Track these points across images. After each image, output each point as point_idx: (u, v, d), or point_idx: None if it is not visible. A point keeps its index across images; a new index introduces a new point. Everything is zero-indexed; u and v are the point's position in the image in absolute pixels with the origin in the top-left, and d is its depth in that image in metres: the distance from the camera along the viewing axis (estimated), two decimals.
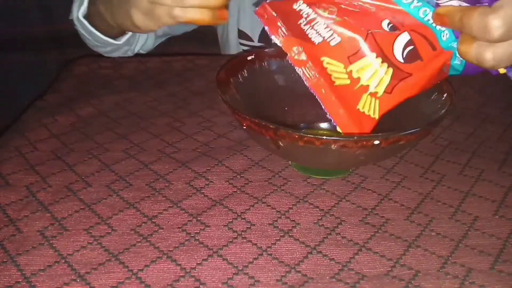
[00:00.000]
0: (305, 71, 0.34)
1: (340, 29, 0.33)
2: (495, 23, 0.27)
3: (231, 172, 0.42)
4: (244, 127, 0.36)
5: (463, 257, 0.32)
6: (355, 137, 0.32)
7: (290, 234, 0.34)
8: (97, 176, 0.41)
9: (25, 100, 0.57)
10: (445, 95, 0.39)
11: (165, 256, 0.32)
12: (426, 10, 0.33)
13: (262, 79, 0.45)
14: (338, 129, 0.35)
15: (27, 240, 0.33)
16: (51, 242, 0.33)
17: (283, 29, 0.35)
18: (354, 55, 0.33)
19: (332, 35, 0.33)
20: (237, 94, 0.42)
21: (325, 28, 0.33)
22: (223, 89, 0.39)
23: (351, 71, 0.33)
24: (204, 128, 0.50)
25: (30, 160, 0.43)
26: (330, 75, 0.34)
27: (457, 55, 0.33)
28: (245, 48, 0.74)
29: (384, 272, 0.31)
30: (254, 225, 0.35)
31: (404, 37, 0.33)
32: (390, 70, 0.33)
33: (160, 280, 0.30)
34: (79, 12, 0.59)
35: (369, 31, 0.32)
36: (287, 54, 0.46)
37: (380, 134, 0.31)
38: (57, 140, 0.47)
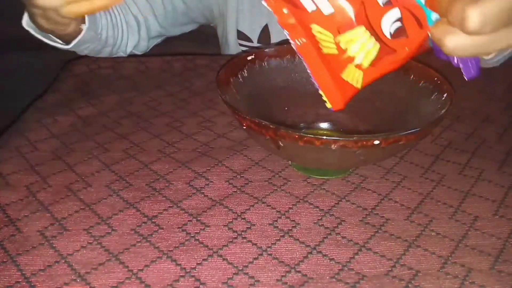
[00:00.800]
0: (293, 35, 0.34)
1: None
2: (473, 15, 0.27)
3: (231, 172, 0.42)
4: (244, 127, 0.36)
5: (463, 257, 0.32)
6: (355, 137, 0.32)
7: (290, 234, 0.34)
8: (97, 176, 0.41)
9: (25, 100, 0.57)
10: (445, 95, 0.39)
11: (165, 256, 0.32)
12: None
13: (262, 79, 0.45)
14: (321, 92, 0.35)
15: (27, 240, 0.33)
16: (51, 242, 0.33)
17: None
18: (344, 26, 0.33)
19: (326, 4, 0.33)
20: (237, 94, 0.42)
21: None
22: (223, 89, 0.39)
23: (339, 41, 0.34)
24: (204, 128, 0.50)
25: (30, 160, 0.43)
26: (318, 42, 0.34)
27: None
28: (244, 49, 0.74)
29: (384, 272, 0.31)
30: (254, 225, 0.35)
31: (394, 13, 0.33)
32: (377, 45, 0.33)
33: (160, 280, 0.30)
34: (23, 20, 0.55)
35: (362, 1, 0.32)
36: (287, 54, 0.46)
37: (380, 134, 0.31)
38: (57, 140, 0.47)
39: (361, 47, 0.34)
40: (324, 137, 0.31)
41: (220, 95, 0.38)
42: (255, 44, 0.73)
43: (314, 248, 0.33)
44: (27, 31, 0.55)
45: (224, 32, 0.77)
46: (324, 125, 0.47)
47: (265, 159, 0.44)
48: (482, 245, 0.33)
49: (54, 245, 0.33)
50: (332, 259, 0.32)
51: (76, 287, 0.29)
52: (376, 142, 0.32)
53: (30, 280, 0.30)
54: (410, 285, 0.30)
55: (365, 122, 0.45)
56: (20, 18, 0.54)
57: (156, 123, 0.51)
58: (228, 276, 0.30)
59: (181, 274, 0.30)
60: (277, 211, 0.37)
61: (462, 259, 0.32)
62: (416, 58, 0.43)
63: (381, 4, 0.32)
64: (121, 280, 0.30)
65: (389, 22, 0.33)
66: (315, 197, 0.39)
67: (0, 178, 0.40)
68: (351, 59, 0.34)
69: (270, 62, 0.45)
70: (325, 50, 0.34)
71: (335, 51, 0.34)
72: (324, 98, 0.36)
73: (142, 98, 0.57)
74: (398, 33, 0.33)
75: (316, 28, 0.34)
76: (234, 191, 0.39)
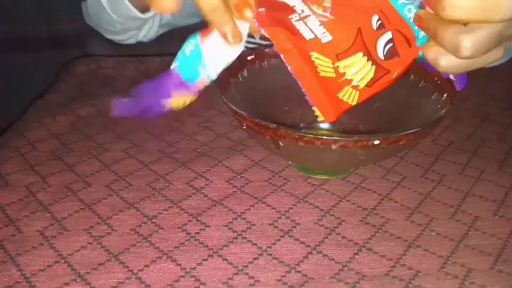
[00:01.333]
0: (289, 59, 0.35)
1: (333, 28, 0.33)
2: (467, 44, 0.28)
3: (231, 172, 0.42)
4: (244, 127, 0.36)
5: (463, 257, 0.32)
6: (355, 137, 0.32)
7: (290, 234, 0.34)
8: (97, 176, 0.41)
9: (25, 100, 0.57)
10: (445, 95, 0.39)
11: (165, 256, 0.32)
12: (410, 8, 0.34)
13: (262, 79, 0.45)
14: (315, 109, 0.37)
15: (27, 240, 0.33)
16: (51, 242, 0.33)
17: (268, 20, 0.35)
18: (343, 53, 0.34)
19: (324, 33, 0.33)
20: (237, 94, 0.42)
21: (319, 26, 0.33)
22: (223, 89, 0.39)
23: (338, 66, 0.35)
24: (204, 128, 0.50)
25: (30, 160, 0.43)
26: (316, 66, 0.35)
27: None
28: (247, 45, 0.74)
29: (384, 272, 0.31)
30: (254, 225, 0.35)
31: (387, 36, 0.34)
32: (374, 67, 0.35)
33: (160, 280, 0.30)
34: None
35: (359, 28, 0.33)
36: None
37: (380, 134, 0.31)
38: (57, 140, 0.47)
39: (358, 71, 0.35)
40: (324, 137, 0.31)
41: (220, 95, 0.38)
42: (258, 40, 0.73)
43: (314, 248, 0.33)
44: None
45: None
46: (324, 125, 0.47)
47: (265, 159, 0.44)
48: (482, 245, 0.33)
49: (54, 245, 0.33)
50: (332, 259, 0.32)
51: (76, 287, 0.29)
52: (376, 142, 0.32)
53: (30, 280, 0.30)
54: (410, 285, 0.30)
55: (365, 122, 0.45)
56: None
57: (156, 123, 0.51)
58: (228, 276, 0.30)
59: (181, 274, 0.30)
60: (277, 211, 0.37)
61: (462, 259, 0.32)
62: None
63: (375, 28, 0.33)
64: (121, 280, 0.30)
65: (382, 44, 0.34)
66: (315, 197, 0.39)
67: (0, 178, 0.40)
68: (348, 82, 0.35)
69: (270, 62, 0.45)
70: (322, 74, 0.35)
71: (332, 75, 0.35)
72: (317, 113, 0.37)
73: None
74: (390, 53, 0.35)
75: (314, 55, 0.35)
76: (234, 191, 0.39)
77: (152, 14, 0.58)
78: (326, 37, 0.34)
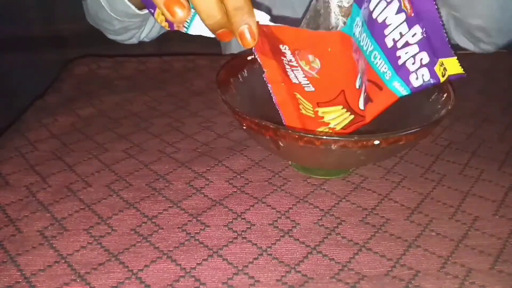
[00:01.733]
0: (276, 90, 0.38)
1: (317, 83, 0.34)
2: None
3: (231, 172, 0.42)
4: (244, 127, 0.36)
5: (463, 257, 0.32)
6: (355, 137, 0.32)
7: (290, 234, 0.34)
8: (97, 176, 0.41)
9: (25, 100, 0.57)
10: (445, 95, 0.39)
11: (165, 256, 0.32)
12: (376, 54, 0.36)
13: (262, 79, 0.45)
14: None
15: (27, 240, 0.33)
16: (51, 242, 0.33)
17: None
18: (324, 103, 0.36)
19: (308, 84, 0.34)
20: (237, 94, 0.42)
21: (303, 77, 0.34)
22: (223, 89, 0.39)
23: (317, 110, 0.36)
24: (204, 128, 0.50)
25: (30, 160, 0.43)
26: (299, 104, 0.37)
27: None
28: None
29: (384, 272, 0.31)
30: (254, 225, 0.35)
31: (364, 89, 0.36)
32: (352, 116, 0.36)
33: (160, 280, 0.30)
34: None
35: (342, 90, 0.34)
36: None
37: (380, 134, 0.31)
38: (57, 140, 0.47)
39: (336, 118, 0.37)
40: (324, 137, 0.31)
41: (220, 95, 0.38)
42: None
43: (314, 248, 0.33)
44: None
45: None
46: None
47: (265, 159, 0.44)
48: (482, 245, 0.33)
49: (54, 245, 0.33)
50: (332, 259, 0.32)
51: (76, 287, 0.29)
52: (376, 142, 0.32)
53: (30, 280, 0.30)
54: (410, 285, 0.30)
55: None
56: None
57: (156, 123, 0.51)
58: (228, 276, 0.30)
59: (181, 274, 0.30)
60: (277, 211, 0.37)
61: (462, 259, 0.32)
62: None
63: (357, 87, 0.35)
64: (121, 280, 0.30)
65: (362, 98, 0.36)
66: (315, 197, 0.39)
67: (0, 178, 0.40)
68: (326, 124, 0.37)
69: None
70: (303, 112, 0.37)
71: (312, 115, 0.37)
72: None
73: (142, 98, 0.57)
74: (366, 101, 0.37)
75: (297, 95, 0.36)
76: (234, 191, 0.39)
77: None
78: (309, 88, 0.35)
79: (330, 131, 0.38)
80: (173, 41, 0.80)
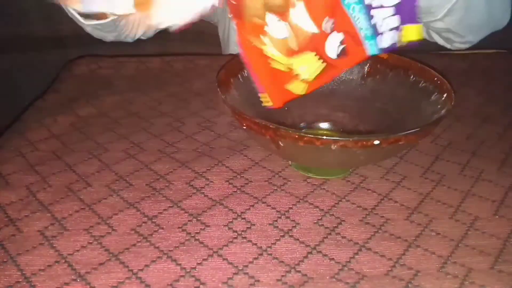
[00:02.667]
0: (246, 48, 0.37)
1: (291, 29, 0.35)
2: None
3: (231, 172, 0.42)
4: (244, 127, 0.36)
5: (463, 257, 0.32)
6: (355, 137, 0.32)
7: (290, 234, 0.34)
8: (97, 176, 0.41)
9: (25, 100, 0.57)
10: (445, 95, 0.39)
11: (165, 256, 0.32)
12: (354, 7, 0.36)
13: None
14: (261, 95, 0.38)
15: (27, 240, 0.33)
16: (51, 242, 0.33)
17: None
18: (294, 51, 0.36)
19: (282, 28, 0.35)
20: (237, 94, 0.42)
21: (278, 21, 0.35)
22: (223, 89, 0.39)
23: (291, 64, 0.37)
24: (204, 128, 0.50)
25: (30, 160, 0.43)
26: (269, 58, 0.37)
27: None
28: None
29: (384, 272, 0.31)
30: (254, 225, 0.35)
31: (339, 37, 0.36)
32: (323, 64, 0.37)
33: (160, 280, 0.30)
34: None
35: (313, 33, 0.35)
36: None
37: (380, 134, 0.31)
38: (57, 140, 0.47)
39: (309, 68, 0.37)
40: (324, 137, 0.31)
41: (220, 95, 0.38)
42: None
43: (314, 248, 0.33)
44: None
45: (225, 30, 0.77)
46: (324, 125, 0.47)
47: (265, 159, 0.44)
48: (482, 245, 0.33)
49: (54, 245, 0.33)
50: (332, 259, 0.32)
51: (76, 287, 0.29)
52: (376, 142, 0.32)
53: (30, 280, 0.30)
54: (410, 285, 0.30)
55: (365, 122, 0.45)
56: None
57: (156, 123, 0.51)
58: (228, 276, 0.30)
59: (181, 274, 0.30)
60: (277, 211, 0.37)
61: (462, 259, 0.32)
62: (416, 58, 0.43)
63: (328, 31, 0.35)
64: (121, 280, 0.30)
65: (335, 45, 0.36)
66: (315, 197, 0.39)
67: (0, 178, 0.40)
68: (298, 76, 0.37)
69: None
70: (273, 65, 0.37)
71: (282, 68, 0.37)
72: (263, 98, 0.39)
73: (142, 98, 0.57)
74: (342, 53, 0.37)
75: (268, 50, 0.36)
76: (234, 191, 0.39)
77: (99, 22, 0.56)
78: (282, 34, 0.35)
79: (304, 83, 0.38)
80: (173, 41, 0.80)
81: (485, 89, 0.62)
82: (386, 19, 0.36)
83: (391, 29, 0.37)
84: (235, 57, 0.45)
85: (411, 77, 0.43)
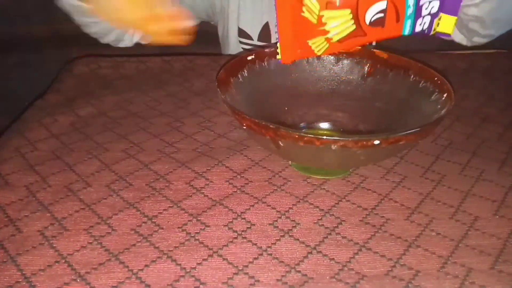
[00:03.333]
0: None
1: None
2: None
3: (231, 172, 0.42)
4: (244, 127, 0.36)
5: (463, 257, 0.32)
6: (355, 137, 0.32)
7: (290, 234, 0.34)
8: (97, 176, 0.41)
9: (25, 100, 0.57)
10: (445, 95, 0.39)
11: (165, 256, 0.32)
12: None
13: (262, 79, 0.45)
14: (278, 44, 0.38)
15: (27, 240, 0.33)
16: (51, 242, 0.33)
17: None
18: (333, 4, 0.35)
19: None
20: (237, 94, 0.42)
21: None
22: (223, 89, 0.39)
23: (323, 15, 0.35)
24: (204, 128, 0.50)
25: (30, 160, 0.43)
26: (303, 5, 0.36)
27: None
28: (245, 46, 0.75)
29: (384, 272, 0.31)
30: (254, 225, 0.35)
31: (381, 5, 0.35)
32: (353, 27, 0.36)
33: (160, 280, 0.30)
34: None
35: None
36: None
37: (380, 134, 0.31)
38: (57, 140, 0.47)
39: (339, 26, 0.36)
40: (324, 137, 0.31)
41: (220, 95, 0.38)
42: (256, 42, 0.73)
43: (314, 248, 0.33)
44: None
45: (225, 29, 0.77)
46: (324, 125, 0.47)
47: (265, 159, 0.44)
48: (482, 245, 0.33)
49: (54, 245, 0.33)
50: (332, 259, 0.32)
51: (76, 287, 0.29)
52: (376, 142, 0.31)
53: (30, 280, 0.30)
54: (410, 285, 0.30)
55: (365, 122, 0.45)
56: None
57: (156, 123, 0.51)
58: (228, 276, 0.30)
59: (181, 274, 0.30)
60: (277, 211, 0.37)
61: (462, 259, 0.32)
62: (416, 58, 0.43)
63: None
64: (121, 280, 0.30)
65: (374, 11, 0.35)
66: (315, 197, 0.39)
67: (0, 178, 0.40)
68: (325, 32, 0.36)
69: (270, 62, 0.45)
70: (305, 14, 0.36)
71: (314, 21, 0.36)
72: (278, 50, 0.38)
73: (142, 98, 0.57)
74: (377, 22, 0.36)
75: None
76: (234, 191, 0.39)
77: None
78: None
79: (326, 42, 0.37)
80: None
81: (485, 89, 0.62)
82: (432, 1, 0.35)
83: (431, 14, 0.36)
84: (235, 57, 0.45)
85: (411, 77, 0.43)
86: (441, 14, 0.36)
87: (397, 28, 0.36)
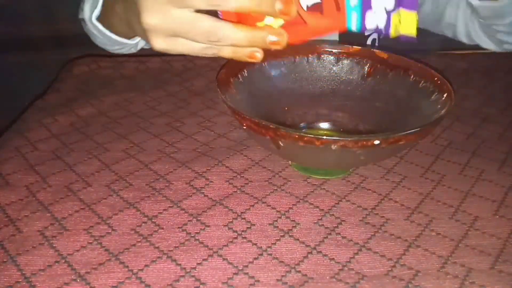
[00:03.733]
0: None
1: None
2: None
3: (231, 172, 0.42)
4: (244, 127, 0.36)
5: (463, 257, 0.32)
6: (355, 137, 0.32)
7: (290, 234, 0.34)
8: (97, 176, 0.41)
9: (25, 100, 0.57)
10: (445, 95, 0.39)
11: (165, 256, 0.32)
12: None
13: (262, 79, 0.45)
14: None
15: (27, 240, 0.33)
16: (51, 242, 0.33)
17: None
18: None
19: None
20: (237, 94, 0.42)
21: None
22: (223, 89, 0.39)
23: None
24: (204, 128, 0.50)
25: (30, 160, 0.43)
26: None
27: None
28: None
29: (384, 272, 0.31)
30: (254, 225, 0.35)
31: None
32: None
33: (160, 280, 0.30)
34: (92, 14, 0.57)
35: None
36: (287, 54, 0.46)
37: (380, 134, 0.31)
38: (57, 140, 0.47)
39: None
40: (324, 137, 0.31)
41: (220, 95, 0.38)
42: None
43: (314, 248, 0.33)
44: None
45: None
46: (324, 125, 0.47)
47: (265, 159, 0.44)
48: (482, 245, 0.33)
49: (54, 245, 0.33)
50: (332, 259, 0.32)
51: (76, 287, 0.29)
52: (376, 142, 0.32)
53: (30, 280, 0.30)
54: (410, 285, 0.30)
55: (365, 122, 0.45)
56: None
57: (156, 123, 0.51)
58: (228, 276, 0.30)
59: (181, 274, 0.30)
60: (277, 211, 0.37)
61: (462, 259, 0.32)
62: (416, 58, 0.43)
63: None
64: (121, 280, 0.30)
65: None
66: (315, 197, 0.39)
67: (0, 178, 0.40)
68: (262, 19, 0.35)
69: (270, 62, 0.45)
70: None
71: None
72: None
73: (142, 98, 0.57)
74: (314, 8, 0.34)
75: None
76: (234, 191, 0.39)
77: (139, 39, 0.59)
78: None
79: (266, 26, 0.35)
80: None
81: (485, 89, 0.62)
82: None
83: (386, 11, 0.33)
84: None
85: (411, 77, 0.43)
86: (400, 9, 0.33)
87: (339, 18, 0.34)
